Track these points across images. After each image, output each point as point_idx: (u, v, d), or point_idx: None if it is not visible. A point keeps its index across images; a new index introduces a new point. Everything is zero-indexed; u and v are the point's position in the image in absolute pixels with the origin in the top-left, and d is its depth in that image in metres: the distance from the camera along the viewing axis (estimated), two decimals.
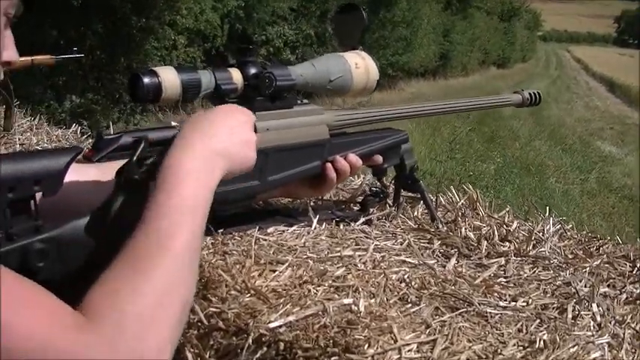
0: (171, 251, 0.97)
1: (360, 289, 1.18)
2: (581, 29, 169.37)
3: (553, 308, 1.22)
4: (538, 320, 1.16)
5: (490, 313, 1.16)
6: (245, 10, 14.08)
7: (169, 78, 1.22)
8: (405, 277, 1.26)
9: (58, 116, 9.17)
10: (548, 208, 1.86)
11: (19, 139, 2.64)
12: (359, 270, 1.26)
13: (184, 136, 1.15)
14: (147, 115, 11.78)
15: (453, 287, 1.24)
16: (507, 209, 1.78)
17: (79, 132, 2.73)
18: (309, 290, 1.16)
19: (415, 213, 1.67)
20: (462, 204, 1.77)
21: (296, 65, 1.43)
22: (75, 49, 3.31)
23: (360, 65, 1.50)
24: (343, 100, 8.63)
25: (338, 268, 1.25)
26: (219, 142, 1.16)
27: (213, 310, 1.12)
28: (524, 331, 1.12)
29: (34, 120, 2.91)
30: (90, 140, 2.52)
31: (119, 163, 1.16)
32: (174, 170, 1.07)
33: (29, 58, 2.87)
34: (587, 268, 1.43)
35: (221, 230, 1.38)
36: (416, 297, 1.19)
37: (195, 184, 1.07)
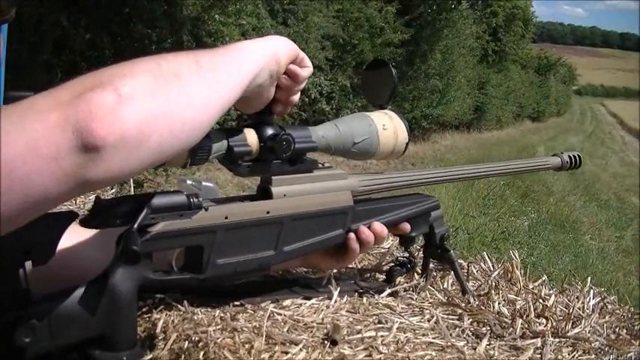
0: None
1: None
2: (617, 84, 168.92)
3: None
4: None
5: None
6: None
7: None
8: None
9: None
10: (589, 278, 1.73)
11: None
12: (380, 353, 1.13)
13: None
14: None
15: None
16: (543, 279, 1.67)
17: None
18: None
19: (445, 284, 1.56)
20: (497, 274, 1.65)
21: (318, 126, 1.33)
22: None
23: (387, 126, 1.39)
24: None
25: (357, 351, 1.13)
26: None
27: None
28: None
29: None
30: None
31: (121, 229, 1.05)
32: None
33: None
34: (632, 354, 1.30)
35: (233, 303, 1.27)
36: None
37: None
